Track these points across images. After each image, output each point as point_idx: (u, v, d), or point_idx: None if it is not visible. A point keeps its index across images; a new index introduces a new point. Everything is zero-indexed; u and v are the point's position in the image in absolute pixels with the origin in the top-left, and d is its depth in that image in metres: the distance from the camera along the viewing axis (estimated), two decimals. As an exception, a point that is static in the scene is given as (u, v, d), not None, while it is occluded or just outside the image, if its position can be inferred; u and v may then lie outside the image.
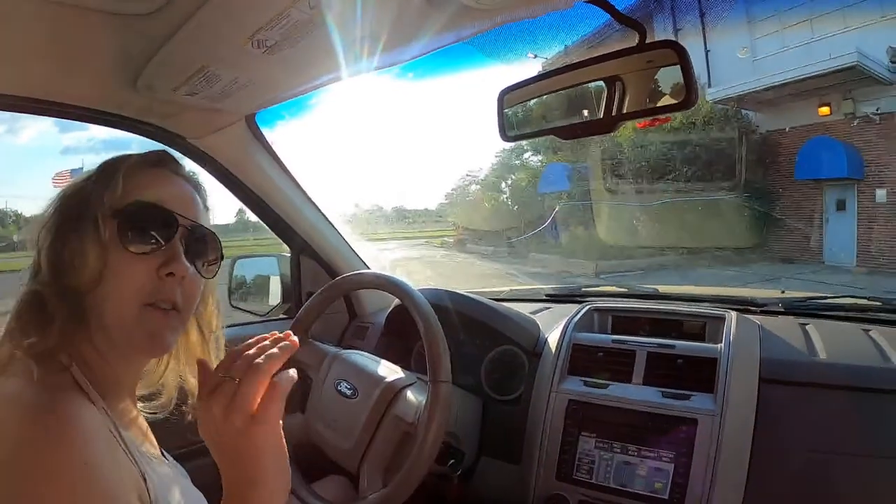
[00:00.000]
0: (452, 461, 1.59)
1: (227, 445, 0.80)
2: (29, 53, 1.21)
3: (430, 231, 25.83)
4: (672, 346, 1.63)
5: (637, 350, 1.65)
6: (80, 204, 0.88)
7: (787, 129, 13.86)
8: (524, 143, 16.09)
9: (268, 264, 2.49)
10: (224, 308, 2.25)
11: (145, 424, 1.01)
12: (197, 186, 1.00)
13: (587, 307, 1.92)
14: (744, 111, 14.50)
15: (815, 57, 12.20)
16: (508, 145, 18.46)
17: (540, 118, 1.43)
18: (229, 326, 2.25)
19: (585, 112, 1.33)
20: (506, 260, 16.18)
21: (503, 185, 19.56)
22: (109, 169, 0.91)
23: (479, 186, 20.54)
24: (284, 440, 0.85)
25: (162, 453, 1.00)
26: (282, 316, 2.41)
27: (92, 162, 0.97)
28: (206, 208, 1.00)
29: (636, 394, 1.57)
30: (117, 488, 0.72)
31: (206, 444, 0.82)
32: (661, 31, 14.41)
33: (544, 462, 1.60)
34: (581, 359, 1.71)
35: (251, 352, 0.83)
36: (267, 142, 1.89)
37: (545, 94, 1.37)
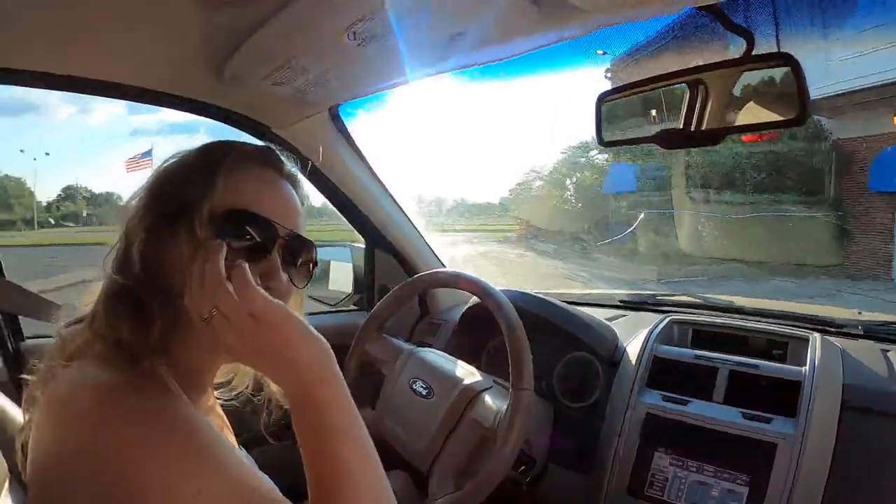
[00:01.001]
0: (523, 467, 1.55)
1: (263, 353, 0.75)
2: (116, 37, 1.22)
3: (492, 225, 25.69)
4: (756, 366, 1.56)
5: (720, 367, 1.59)
6: (176, 199, 0.82)
7: (861, 138, 13.24)
8: (589, 140, 15.86)
9: (340, 253, 2.48)
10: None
11: (223, 414, 1.01)
12: (297, 186, 0.94)
13: (668, 319, 1.85)
14: (816, 117, 13.90)
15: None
16: (574, 142, 18.30)
17: (639, 125, 1.37)
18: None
19: (686, 121, 1.26)
20: (570, 258, 15.98)
21: (567, 182, 19.31)
22: (210, 160, 0.85)
23: (543, 182, 20.32)
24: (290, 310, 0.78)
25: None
26: (352, 307, 2.41)
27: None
28: (303, 204, 0.94)
29: (716, 413, 1.51)
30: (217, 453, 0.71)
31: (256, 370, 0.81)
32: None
33: (616, 475, 1.55)
34: (661, 372, 1.66)
35: (194, 284, 0.75)
36: (349, 133, 1.90)
37: (645, 97, 1.32)
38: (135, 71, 1.42)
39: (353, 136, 1.93)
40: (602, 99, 1.32)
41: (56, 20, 1.12)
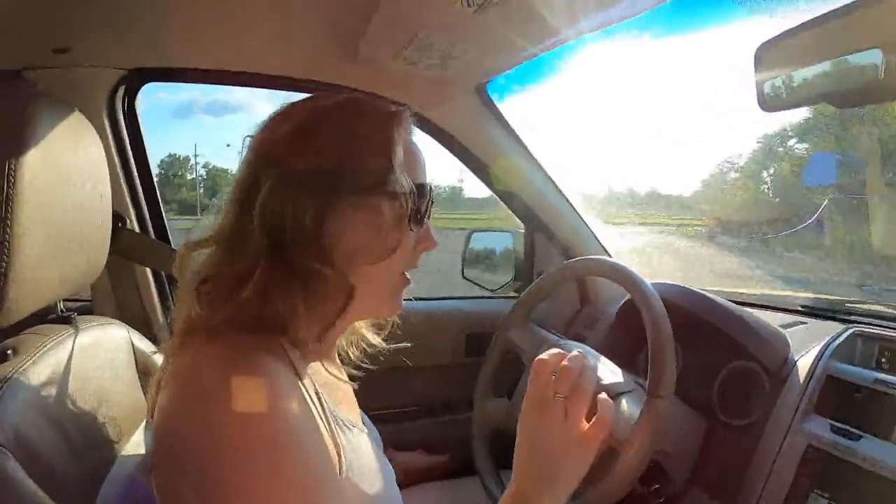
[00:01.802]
0: (657, 486, 1.42)
1: (548, 449, 0.86)
2: (250, 31, 1.30)
3: (681, 218, 24.63)
4: None
5: None
6: (355, 173, 0.78)
7: None
8: (788, 128, 14.59)
9: (502, 239, 2.47)
10: (456, 280, 2.26)
11: (349, 388, 1.00)
12: None
13: (851, 330, 1.54)
14: None
15: None
16: (771, 130, 17.01)
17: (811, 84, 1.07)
18: (459, 298, 2.33)
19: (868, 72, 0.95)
20: (760, 256, 14.88)
21: (764, 174, 18.07)
22: (383, 130, 0.81)
23: (738, 174, 19.22)
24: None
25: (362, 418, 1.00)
26: (511, 294, 2.37)
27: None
28: None
29: (892, 457, 1.20)
30: (312, 443, 0.70)
31: (523, 434, 0.90)
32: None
33: None
34: (834, 396, 1.40)
35: (574, 374, 0.88)
36: (500, 112, 1.86)
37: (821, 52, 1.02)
38: (275, 60, 1.50)
39: (511, 114, 1.89)
40: (761, 51, 1.01)
41: (194, 16, 1.23)
